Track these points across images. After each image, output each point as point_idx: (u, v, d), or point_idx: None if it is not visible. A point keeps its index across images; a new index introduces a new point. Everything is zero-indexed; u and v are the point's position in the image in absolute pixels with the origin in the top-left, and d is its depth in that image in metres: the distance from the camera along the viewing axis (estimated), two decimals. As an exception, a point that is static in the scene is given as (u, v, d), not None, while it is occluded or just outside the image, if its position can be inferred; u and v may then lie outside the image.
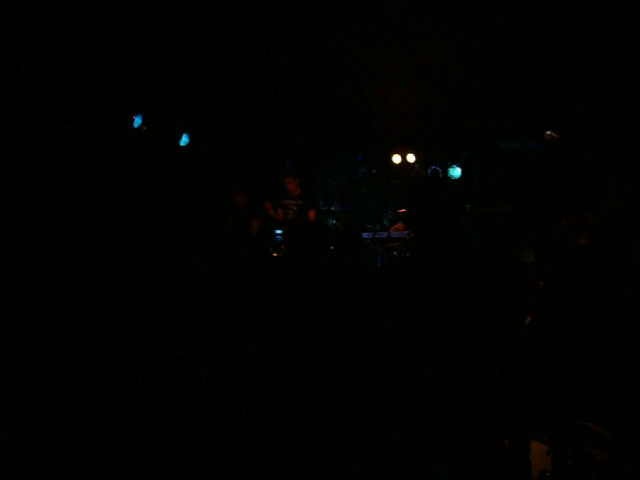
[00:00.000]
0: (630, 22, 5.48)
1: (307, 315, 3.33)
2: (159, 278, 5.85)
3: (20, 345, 4.23)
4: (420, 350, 2.28)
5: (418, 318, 2.34)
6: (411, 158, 9.99)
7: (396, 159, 10.06)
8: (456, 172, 9.88)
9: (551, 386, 3.28)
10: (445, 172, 9.98)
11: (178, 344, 4.18)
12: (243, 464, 3.03)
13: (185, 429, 3.36)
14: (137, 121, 7.52)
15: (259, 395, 3.17)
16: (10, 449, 3.20)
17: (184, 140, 8.51)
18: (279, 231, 8.20)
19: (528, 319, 3.57)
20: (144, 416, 3.54)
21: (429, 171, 9.95)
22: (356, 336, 2.79)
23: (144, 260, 6.55)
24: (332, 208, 9.31)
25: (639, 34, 5.68)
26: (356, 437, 2.77)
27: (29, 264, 5.47)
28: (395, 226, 8.54)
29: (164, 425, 3.43)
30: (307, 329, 3.25)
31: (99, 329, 4.55)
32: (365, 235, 8.21)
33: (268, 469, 2.93)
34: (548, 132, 8.58)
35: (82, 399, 3.68)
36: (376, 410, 2.52)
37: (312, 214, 8.15)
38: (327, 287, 3.49)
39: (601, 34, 5.85)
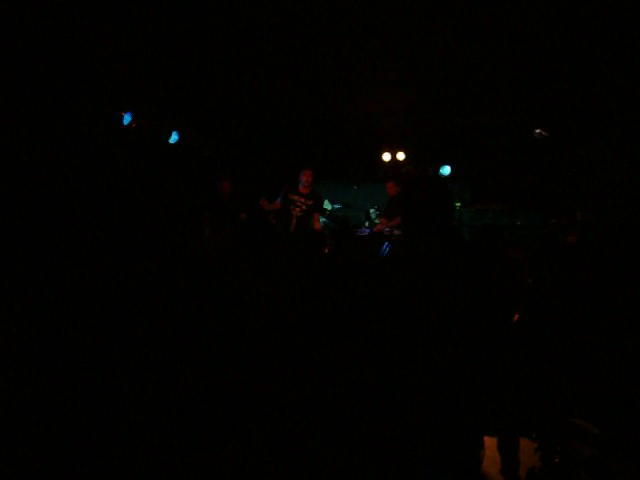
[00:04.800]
0: (620, 20, 5.51)
1: (302, 310, 3.34)
2: (150, 275, 5.83)
3: (19, 345, 4.21)
4: (409, 348, 2.29)
5: (407, 315, 2.35)
6: (401, 156, 10.00)
7: (386, 157, 10.06)
8: (446, 170, 9.91)
9: (539, 383, 3.30)
10: (435, 170, 10.01)
11: (176, 342, 4.17)
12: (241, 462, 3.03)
13: (184, 429, 3.36)
14: (126, 118, 7.48)
15: (257, 388, 3.17)
16: (10, 449, 3.19)
17: (174, 137, 8.48)
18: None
19: (516, 316, 3.59)
20: (144, 415, 3.54)
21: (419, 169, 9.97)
22: (346, 334, 2.79)
23: (135, 257, 6.53)
24: (323, 206, 9.30)
25: (628, 32, 5.72)
26: (349, 434, 2.77)
27: (18, 263, 5.44)
28: (377, 227, 8.53)
29: (163, 425, 3.42)
30: (300, 325, 3.25)
31: (95, 325, 4.53)
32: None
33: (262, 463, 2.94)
34: (537, 130, 8.62)
35: (80, 399, 3.67)
36: (367, 406, 2.52)
37: (317, 217, 7.87)
38: (321, 283, 3.50)
39: (590, 32, 5.88)
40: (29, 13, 5.24)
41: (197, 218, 8.00)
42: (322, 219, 9.10)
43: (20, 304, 4.74)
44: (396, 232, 7.69)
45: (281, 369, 3.20)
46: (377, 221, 9.38)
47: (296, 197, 7.71)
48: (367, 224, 9.55)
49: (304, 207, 7.70)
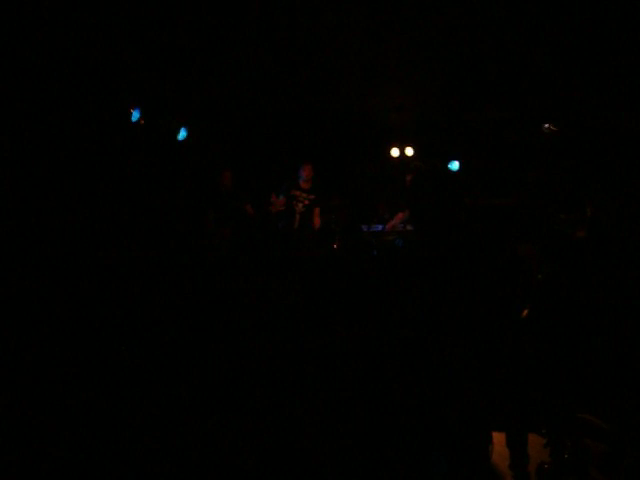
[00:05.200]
0: (624, 15, 5.48)
1: (308, 306, 3.34)
2: (158, 272, 5.85)
3: (18, 345, 4.23)
4: (418, 343, 2.29)
5: (416, 311, 2.35)
6: (409, 152, 9.97)
7: (394, 152, 10.03)
8: (455, 166, 9.87)
9: (549, 379, 3.30)
10: (444, 166, 9.96)
11: (180, 337, 4.18)
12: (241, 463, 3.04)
13: (184, 428, 3.37)
14: (135, 115, 7.50)
15: (261, 383, 3.18)
16: (9, 449, 3.21)
17: (182, 134, 8.49)
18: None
19: (525, 312, 3.58)
20: (143, 414, 3.55)
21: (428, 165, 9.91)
22: (354, 328, 2.79)
23: (142, 254, 6.55)
24: (330, 202, 9.27)
25: (634, 26, 5.68)
26: (356, 430, 2.77)
27: (23, 258, 5.46)
28: (392, 222, 8.49)
29: (163, 425, 3.43)
30: (307, 320, 3.25)
31: (96, 323, 4.55)
32: (363, 228, 8.20)
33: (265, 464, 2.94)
34: (546, 125, 8.57)
35: (79, 399, 3.68)
36: (374, 400, 2.52)
37: (317, 212, 7.77)
38: (330, 279, 3.51)
39: (597, 27, 5.84)
40: (39, 8, 5.26)
41: (201, 213, 7.99)
42: (330, 215, 9.08)
43: (23, 300, 4.76)
44: (409, 227, 7.66)
45: (286, 366, 3.21)
46: (385, 216, 9.36)
47: (298, 192, 7.69)
48: (376, 219, 9.54)
49: (306, 202, 7.69)
